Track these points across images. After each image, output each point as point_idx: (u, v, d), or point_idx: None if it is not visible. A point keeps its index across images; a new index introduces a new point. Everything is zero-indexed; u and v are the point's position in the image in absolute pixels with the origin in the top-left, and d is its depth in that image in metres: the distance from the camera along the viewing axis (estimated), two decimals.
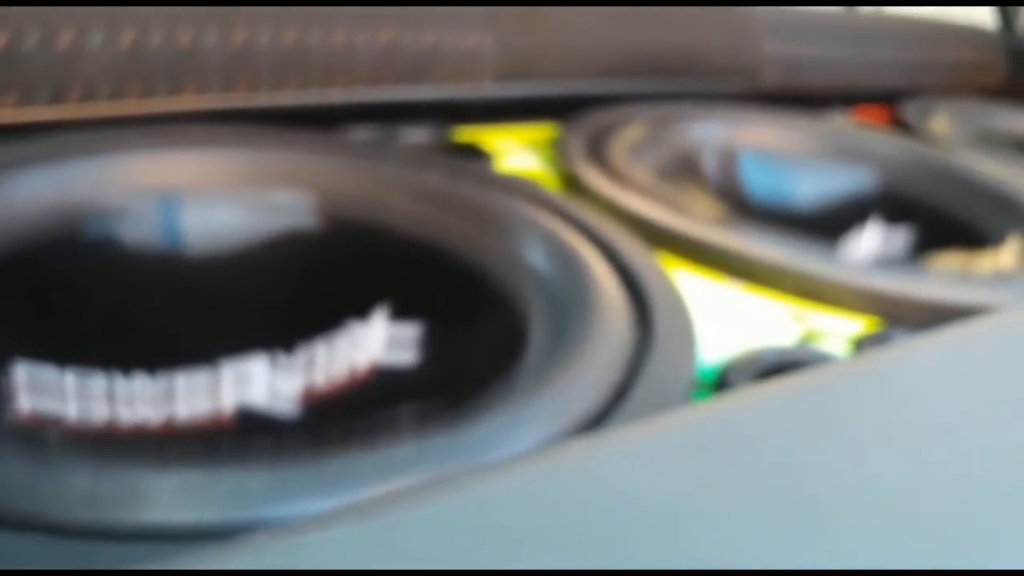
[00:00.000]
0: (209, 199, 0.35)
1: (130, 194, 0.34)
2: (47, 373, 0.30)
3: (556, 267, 0.31)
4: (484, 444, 0.22)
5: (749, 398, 0.22)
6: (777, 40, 0.63)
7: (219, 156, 0.36)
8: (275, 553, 0.14)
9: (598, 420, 0.23)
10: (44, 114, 0.38)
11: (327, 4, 0.44)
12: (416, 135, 0.46)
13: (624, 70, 0.55)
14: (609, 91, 0.54)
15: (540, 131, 0.50)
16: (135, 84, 0.39)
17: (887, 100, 0.68)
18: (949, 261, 0.44)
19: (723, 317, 0.31)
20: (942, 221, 0.49)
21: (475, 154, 0.45)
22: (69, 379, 0.30)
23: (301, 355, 0.33)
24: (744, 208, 0.45)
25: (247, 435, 0.30)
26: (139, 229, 0.34)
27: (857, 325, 0.32)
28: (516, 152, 0.47)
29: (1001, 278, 0.37)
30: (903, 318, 0.32)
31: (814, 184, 0.51)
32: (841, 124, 0.61)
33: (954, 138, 0.59)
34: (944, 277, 0.37)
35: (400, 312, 0.33)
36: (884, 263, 0.43)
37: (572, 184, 0.42)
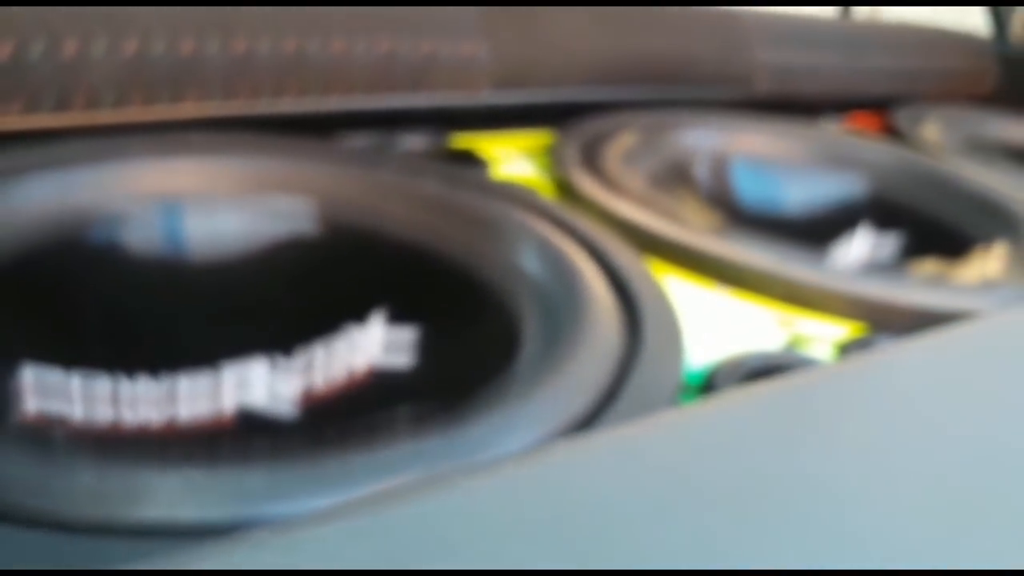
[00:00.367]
0: (211, 205, 0.36)
1: (134, 200, 0.35)
2: (53, 375, 0.30)
3: (549, 272, 0.32)
4: (477, 445, 0.23)
5: (733, 400, 0.22)
6: (770, 48, 0.64)
7: (220, 163, 0.37)
8: (273, 549, 0.14)
9: (588, 422, 0.24)
10: (48, 121, 0.38)
11: (326, 13, 0.44)
12: (414, 142, 0.46)
13: (619, 78, 0.56)
14: (604, 99, 0.55)
15: (536, 138, 0.50)
16: (138, 92, 0.39)
17: (880, 107, 0.69)
18: (936, 267, 0.45)
19: (711, 322, 0.32)
20: (931, 227, 0.50)
21: (472, 161, 0.45)
22: (74, 381, 0.31)
23: (300, 358, 0.33)
24: (735, 214, 0.46)
25: (247, 436, 0.31)
26: (142, 234, 0.35)
27: (842, 330, 0.33)
28: (512, 159, 0.48)
29: (984, 285, 0.38)
30: (888, 324, 0.33)
31: (804, 191, 0.52)
32: (831, 131, 0.62)
33: (945, 145, 0.60)
34: (927, 283, 0.37)
35: (397, 315, 0.34)
36: (870, 269, 0.43)
37: (566, 191, 0.42)
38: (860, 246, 0.48)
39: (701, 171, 0.51)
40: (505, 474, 0.17)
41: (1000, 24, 0.87)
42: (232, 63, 0.41)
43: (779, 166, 0.52)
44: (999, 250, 0.45)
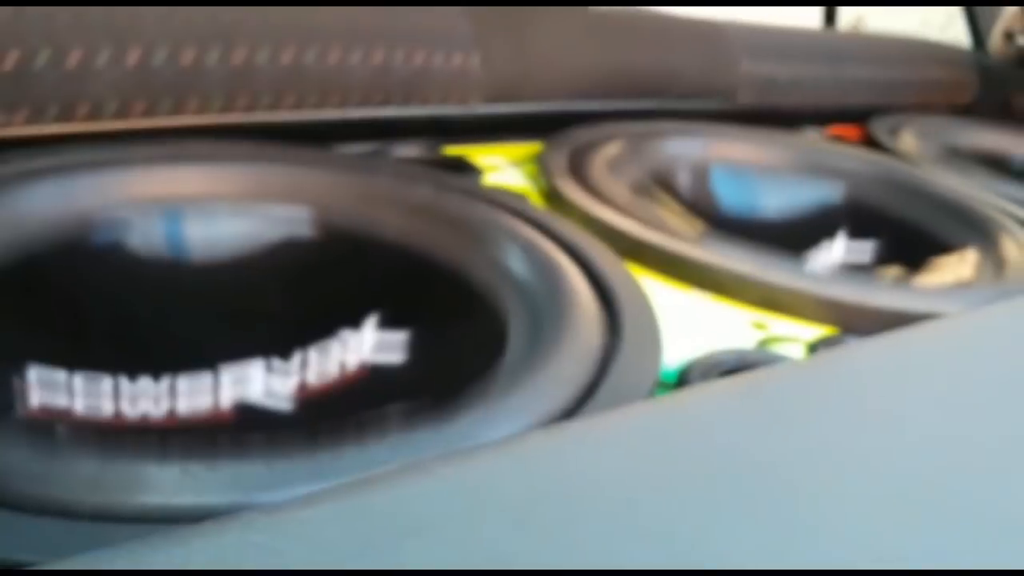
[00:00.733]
0: (210, 211, 0.37)
1: (136, 206, 0.36)
2: (57, 375, 0.32)
3: (534, 276, 0.33)
4: (463, 437, 0.24)
5: (703, 391, 0.24)
6: (754, 60, 0.65)
7: (220, 170, 0.38)
8: (261, 530, 0.15)
9: (567, 415, 0.25)
10: (53, 129, 0.39)
11: (323, 26, 0.46)
12: (408, 151, 0.48)
13: (606, 91, 0.58)
14: (592, 110, 0.56)
15: (526, 148, 0.52)
16: (140, 101, 0.41)
17: (861, 118, 0.70)
18: (909, 271, 0.47)
19: (689, 324, 0.34)
20: (905, 232, 0.52)
21: (463, 169, 0.47)
22: (77, 380, 0.32)
23: (296, 359, 0.35)
24: (716, 221, 0.47)
25: (244, 430, 0.32)
26: (144, 239, 0.36)
27: (815, 332, 0.34)
28: (502, 168, 0.50)
29: (952, 288, 0.40)
30: (858, 325, 0.34)
31: (783, 197, 0.53)
32: (809, 140, 0.64)
33: (921, 154, 0.62)
34: (896, 287, 0.39)
35: (389, 316, 0.35)
36: (843, 273, 0.45)
37: (553, 198, 0.44)
38: (836, 251, 0.50)
39: (683, 179, 0.53)
40: (481, 460, 0.19)
41: (978, 35, 0.89)
42: (232, 74, 0.42)
43: (758, 174, 0.54)
44: (971, 255, 0.47)
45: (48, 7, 0.39)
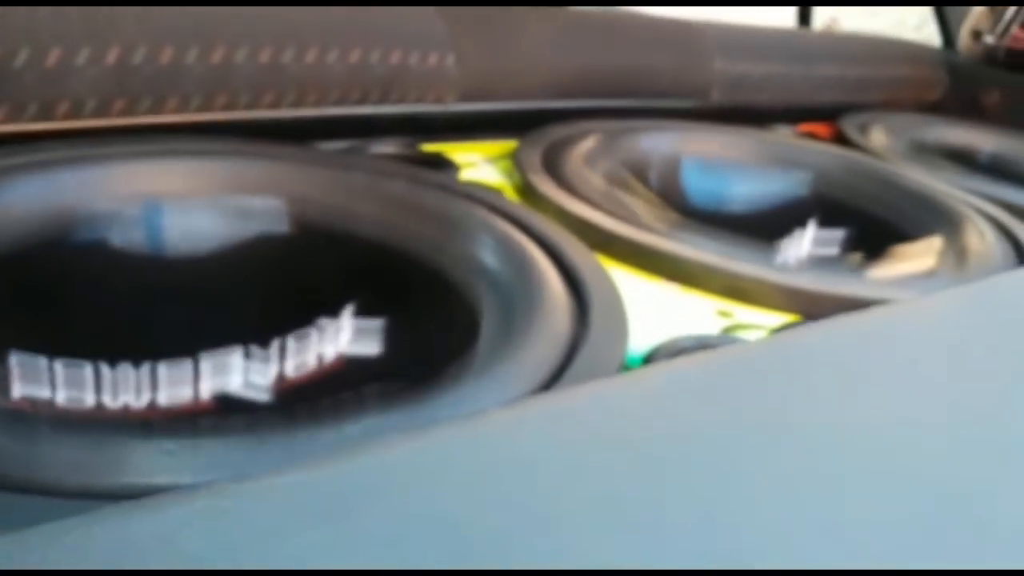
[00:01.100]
0: (189, 205, 0.38)
1: (116, 200, 0.37)
2: (38, 362, 0.32)
3: (507, 267, 0.35)
4: (435, 417, 0.25)
5: (665, 367, 0.25)
6: (727, 59, 0.67)
7: (198, 165, 0.39)
8: (233, 497, 0.16)
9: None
10: (33, 127, 0.40)
11: (300, 25, 0.47)
12: (385, 148, 0.49)
13: (580, 89, 0.59)
14: (566, 108, 0.57)
15: (502, 146, 0.53)
16: (119, 100, 0.41)
17: (832, 116, 0.72)
18: (874, 260, 0.48)
19: (656, 312, 0.35)
20: (871, 223, 0.53)
21: (441, 165, 0.48)
22: (59, 369, 0.33)
23: (274, 349, 0.36)
24: (687, 213, 0.48)
25: (223, 415, 0.33)
26: (124, 232, 0.37)
27: (778, 319, 0.36)
28: (479, 164, 0.51)
29: (906, 277, 0.41)
30: (819, 313, 0.36)
31: (753, 189, 0.55)
32: (779, 135, 0.65)
33: (890, 150, 0.63)
34: (857, 276, 0.40)
35: (366, 307, 0.36)
36: (805, 263, 0.46)
37: (527, 193, 0.45)
38: (805, 241, 0.51)
39: (655, 173, 0.54)
40: (444, 434, 0.20)
41: (948, 34, 0.91)
42: (211, 72, 0.43)
43: (728, 167, 0.55)
44: (934, 244, 0.48)
45: (28, 7, 0.39)
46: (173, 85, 0.42)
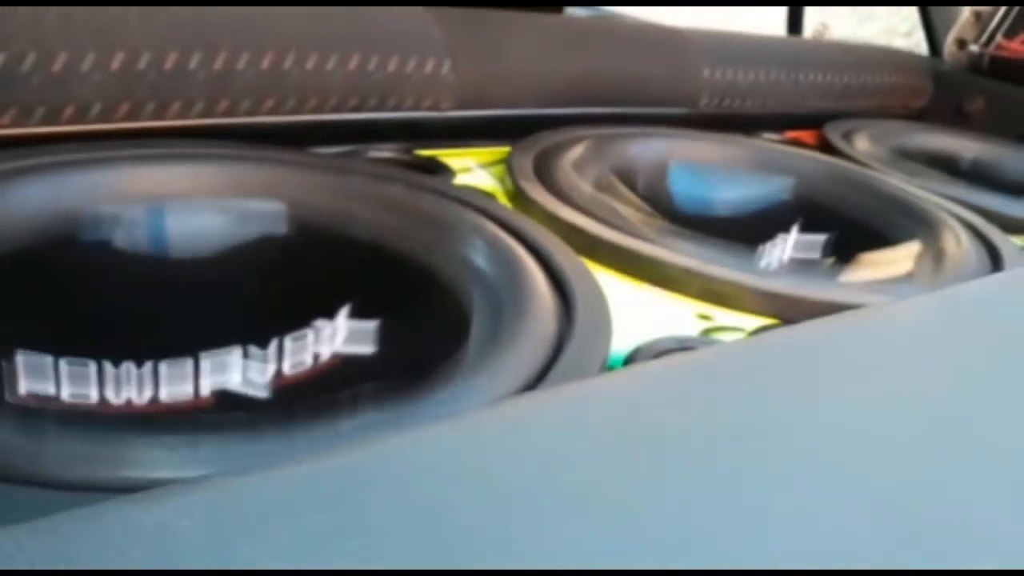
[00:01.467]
0: (191, 207, 0.39)
1: (120, 202, 0.38)
2: (44, 360, 0.33)
3: (497, 270, 0.36)
4: (427, 416, 0.26)
5: (644, 368, 0.26)
6: (715, 67, 0.68)
7: (200, 169, 0.40)
8: (234, 491, 0.17)
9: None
10: (39, 130, 0.41)
11: (300, 33, 0.48)
12: (382, 153, 0.50)
13: (573, 97, 0.60)
14: (559, 115, 0.59)
15: (495, 152, 0.54)
16: (124, 104, 0.42)
17: (817, 123, 0.73)
18: (854, 264, 0.49)
19: (639, 315, 0.36)
20: (853, 228, 0.54)
21: (436, 170, 0.49)
22: (63, 367, 0.34)
23: (272, 347, 0.37)
24: (674, 218, 0.50)
25: (223, 413, 0.34)
26: (128, 233, 0.38)
27: (756, 323, 0.37)
28: (473, 170, 0.52)
29: (881, 282, 0.43)
30: (796, 317, 0.37)
31: (737, 195, 0.56)
32: (764, 142, 0.66)
33: (873, 157, 0.65)
34: (831, 281, 0.42)
35: (361, 308, 0.38)
36: (782, 268, 0.48)
37: (519, 198, 0.46)
38: (787, 245, 0.52)
39: (643, 179, 0.55)
40: (433, 430, 0.21)
41: (935, 42, 0.93)
42: (213, 78, 0.44)
43: (714, 173, 0.57)
44: (912, 249, 0.49)
45: (35, 10, 0.40)
46: (176, 90, 0.43)
